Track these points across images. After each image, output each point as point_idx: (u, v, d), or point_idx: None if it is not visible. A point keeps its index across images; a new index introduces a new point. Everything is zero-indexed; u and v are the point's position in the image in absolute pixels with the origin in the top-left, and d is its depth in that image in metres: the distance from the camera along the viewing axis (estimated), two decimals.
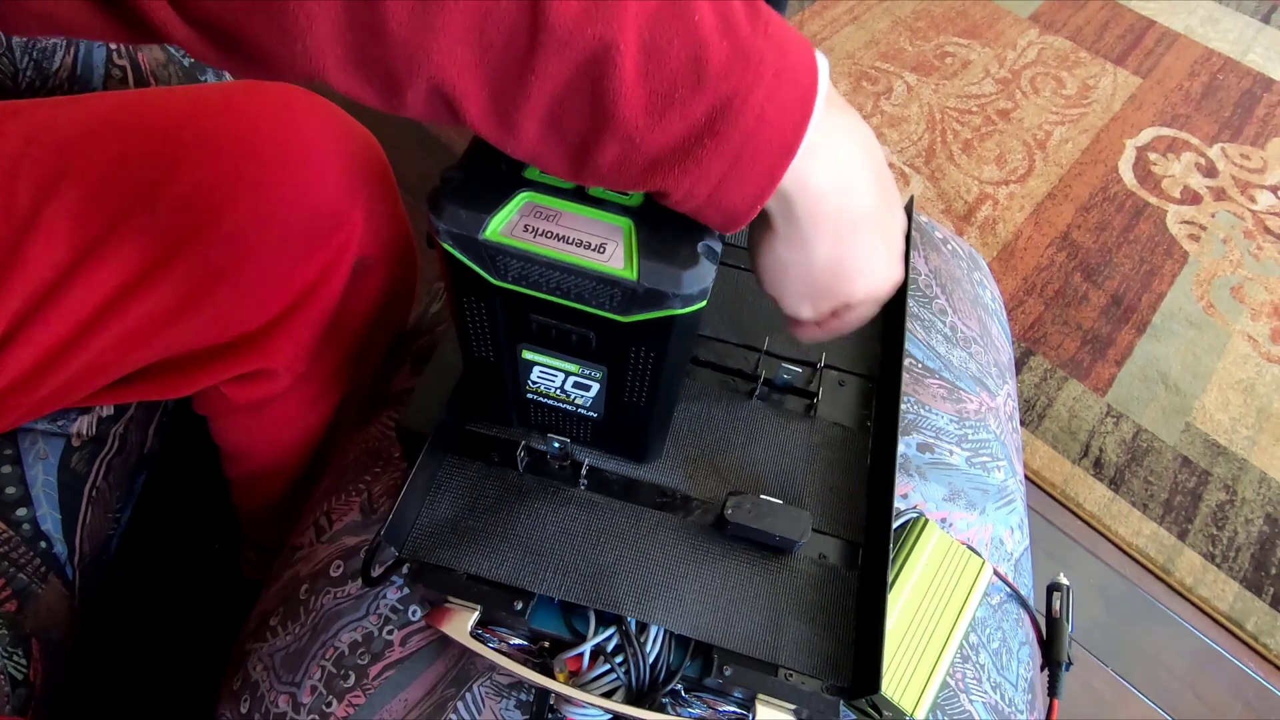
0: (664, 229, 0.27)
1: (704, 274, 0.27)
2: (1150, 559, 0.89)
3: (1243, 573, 0.89)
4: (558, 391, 0.35)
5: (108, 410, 0.52)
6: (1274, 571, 0.89)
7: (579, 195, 0.28)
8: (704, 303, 0.28)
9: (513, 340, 0.33)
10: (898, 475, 0.52)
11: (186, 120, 0.45)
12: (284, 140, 0.46)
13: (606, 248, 0.27)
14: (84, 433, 0.49)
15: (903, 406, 0.56)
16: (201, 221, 0.44)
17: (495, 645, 0.39)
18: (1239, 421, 1.01)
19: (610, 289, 0.27)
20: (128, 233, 0.43)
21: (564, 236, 0.27)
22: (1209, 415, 1.01)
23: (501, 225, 0.27)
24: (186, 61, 0.65)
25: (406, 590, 0.44)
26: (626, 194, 0.28)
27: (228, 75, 0.64)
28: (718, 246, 0.28)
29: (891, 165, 1.25)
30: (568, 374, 0.34)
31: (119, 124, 0.44)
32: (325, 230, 0.47)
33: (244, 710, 0.44)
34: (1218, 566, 0.89)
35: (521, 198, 0.28)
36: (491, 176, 0.28)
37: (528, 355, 0.33)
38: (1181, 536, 0.91)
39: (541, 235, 0.27)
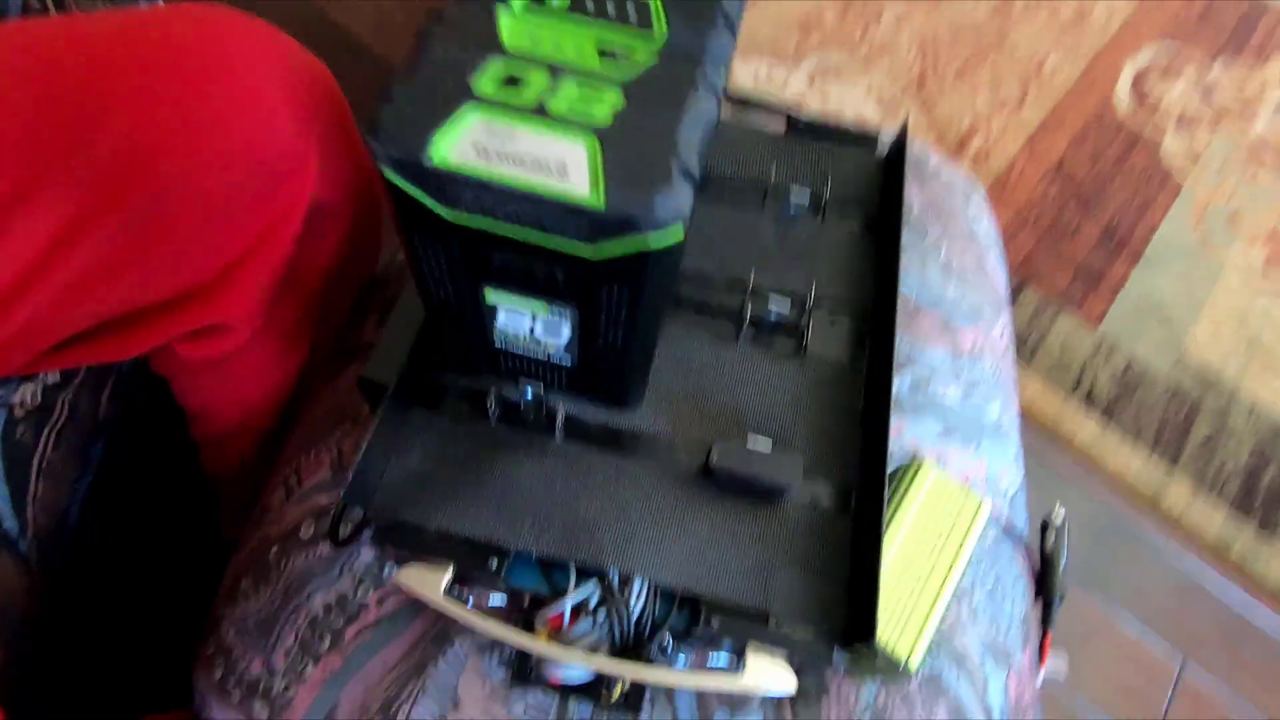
0: (634, 148, 0.24)
1: (680, 198, 0.24)
2: (1140, 490, 0.89)
3: (1230, 502, 0.89)
4: (526, 337, 0.33)
5: (53, 377, 0.49)
6: (1260, 500, 0.89)
7: (536, 111, 0.25)
8: (681, 233, 0.25)
9: (473, 280, 0.30)
10: (893, 412, 0.51)
11: (115, 52, 0.40)
12: (225, 72, 0.41)
13: (569, 170, 0.24)
14: (27, 402, 0.46)
15: (897, 343, 0.54)
16: (137, 165, 0.40)
17: (475, 604, 0.38)
18: (1230, 352, 1.00)
19: (575, 217, 0.24)
20: (55, 181, 0.39)
21: (520, 159, 0.24)
22: (1200, 346, 1.00)
23: (448, 147, 0.24)
24: None
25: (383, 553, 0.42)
26: (591, 108, 0.25)
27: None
28: (695, 168, 0.25)
29: (881, 96, 1.20)
30: (536, 316, 0.31)
31: (39, 58, 0.39)
32: (275, 172, 0.43)
33: (218, 677, 0.42)
34: (1206, 496, 0.89)
35: (470, 115, 0.24)
36: (436, 91, 0.25)
37: (491, 297, 0.31)
38: (1171, 468, 0.90)
39: (495, 157, 0.24)
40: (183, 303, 0.45)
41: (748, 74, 1.21)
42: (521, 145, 0.24)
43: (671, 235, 0.24)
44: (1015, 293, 1.03)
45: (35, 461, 0.47)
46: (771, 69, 1.22)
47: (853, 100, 1.19)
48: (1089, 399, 0.95)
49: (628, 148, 0.24)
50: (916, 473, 0.39)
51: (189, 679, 0.45)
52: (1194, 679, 0.79)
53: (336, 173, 0.47)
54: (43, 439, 0.48)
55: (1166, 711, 0.78)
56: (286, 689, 0.40)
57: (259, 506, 0.50)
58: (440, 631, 0.40)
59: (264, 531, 0.47)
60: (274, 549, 0.45)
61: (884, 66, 1.23)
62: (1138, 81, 1.27)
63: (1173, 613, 0.82)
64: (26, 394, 0.47)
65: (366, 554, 0.43)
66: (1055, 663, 0.54)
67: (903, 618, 0.34)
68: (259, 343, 0.50)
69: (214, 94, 0.40)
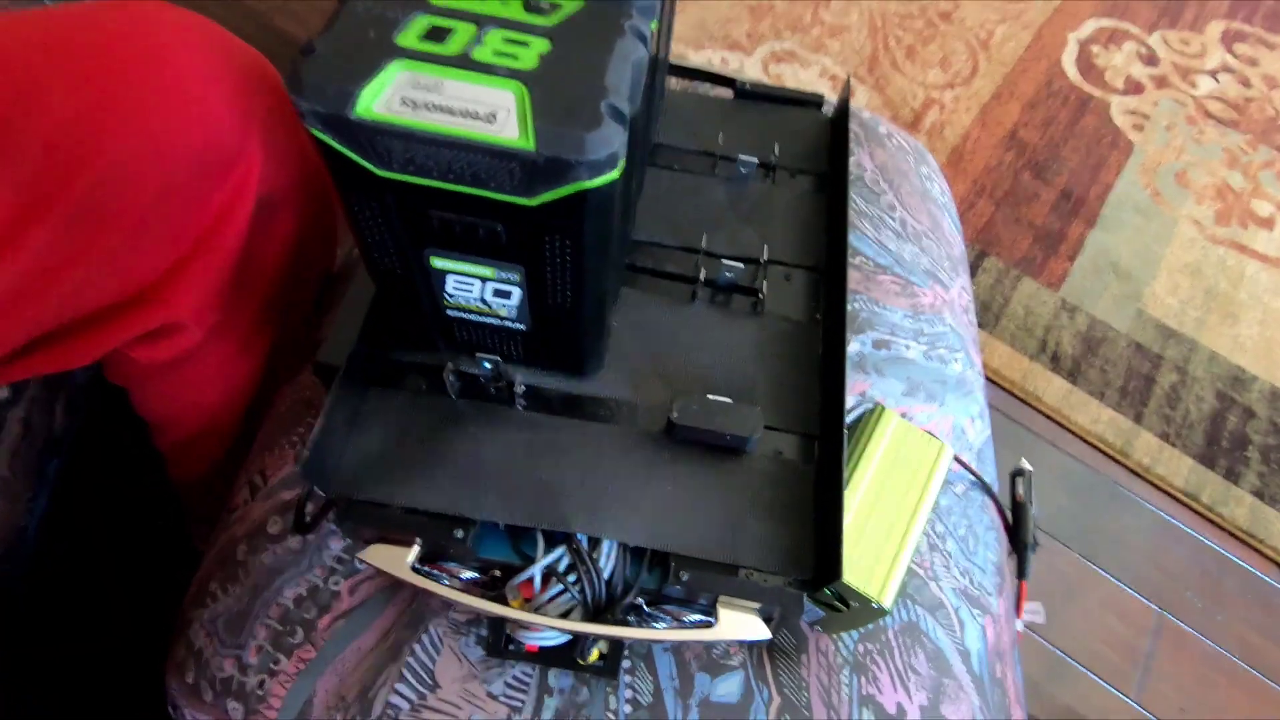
0: (561, 91, 0.24)
1: (610, 135, 0.24)
2: (1109, 444, 0.90)
3: (1196, 449, 0.91)
4: (478, 303, 0.33)
5: (3, 392, 0.48)
6: (1225, 445, 0.91)
7: (462, 61, 0.25)
8: (616, 173, 0.25)
9: (417, 245, 0.30)
10: (856, 373, 0.51)
11: (40, 49, 0.39)
12: (158, 63, 0.41)
13: (498, 116, 0.24)
14: None
15: (856, 304, 0.55)
16: (71, 164, 0.39)
17: (447, 581, 0.37)
18: (1188, 304, 1.02)
19: (508, 163, 0.24)
20: None
21: (448, 108, 0.24)
22: (1159, 300, 1.02)
23: (375, 100, 0.24)
24: None
25: (351, 539, 0.42)
26: (517, 56, 0.25)
27: None
28: (625, 107, 0.25)
29: (835, 77, 1.21)
30: (485, 280, 0.31)
31: None
32: (218, 164, 0.43)
33: (189, 680, 0.41)
34: (1172, 445, 0.91)
35: (395, 67, 0.24)
36: (359, 45, 0.24)
37: (437, 262, 0.30)
38: (1137, 420, 0.92)
39: (422, 108, 0.24)
40: (132, 304, 0.44)
41: (701, 62, 1.22)
42: (449, 95, 0.24)
43: (606, 174, 0.24)
44: (977, 261, 1.04)
45: None
46: (726, 56, 1.23)
47: (807, 82, 1.21)
48: (1055, 360, 0.96)
49: (556, 91, 0.24)
50: (878, 420, 0.39)
51: (161, 687, 0.44)
52: (1175, 621, 0.81)
53: (282, 163, 0.46)
54: None
55: (1150, 655, 0.79)
56: (260, 684, 0.39)
57: (225, 508, 0.49)
58: (414, 615, 0.40)
59: (231, 532, 0.46)
60: (241, 547, 0.44)
61: (836, 48, 1.24)
62: (1083, 50, 1.29)
63: (1150, 560, 0.84)
64: None
65: (336, 544, 0.42)
66: (1032, 611, 0.55)
67: (873, 558, 0.34)
68: (215, 343, 0.49)
69: (146, 85, 0.39)
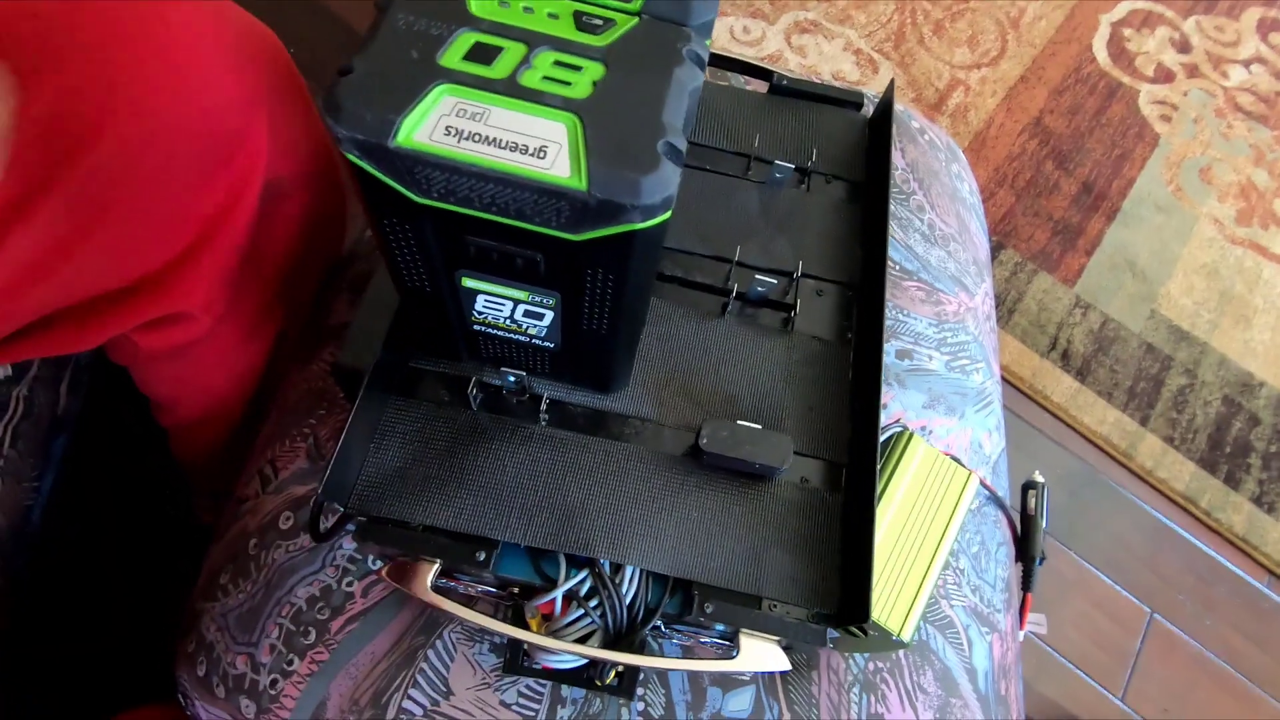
0: (616, 126, 0.23)
1: (667, 179, 0.22)
2: (1113, 445, 0.90)
3: (1199, 453, 0.91)
4: (507, 322, 0.31)
5: (5, 371, 0.46)
6: (1228, 451, 0.92)
7: (510, 87, 0.23)
8: (668, 214, 0.24)
9: (449, 267, 0.28)
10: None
11: (37, 23, 0.37)
12: (162, 41, 0.38)
13: (548, 151, 0.22)
14: None
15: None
16: (70, 147, 0.37)
17: (463, 591, 0.37)
18: (1202, 306, 1.01)
19: (556, 202, 0.23)
20: None
21: (495, 139, 0.22)
22: (1173, 301, 1.01)
23: (417, 128, 0.22)
24: None
25: (369, 554, 0.41)
26: (569, 83, 0.23)
27: None
28: (681, 144, 0.23)
29: (859, 51, 1.17)
30: (517, 302, 0.30)
31: None
32: (223, 149, 0.41)
33: (201, 673, 0.41)
34: (1176, 449, 0.91)
35: (439, 92, 0.22)
36: (401, 66, 0.23)
37: (469, 283, 0.29)
38: (1143, 422, 0.92)
39: (467, 139, 0.22)
40: (137, 292, 0.42)
41: (723, 29, 1.17)
42: (495, 124, 0.22)
43: (658, 216, 0.23)
44: (994, 252, 1.03)
45: None
46: (748, 25, 1.18)
47: (830, 56, 1.17)
48: (1065, 357, 0.96)
49: (610, 126, 0.23)
50: (906, 446, 0.38)
51: (166, 670, 0.44)
52: (1164, 623, 0.82)
53: (291, 147, 0.44)
54: None
55: (1138, 655, 0.81)
56: (273, 684, 0.40)
57: (235, 497, 0.48)
58: (429, 620, 0.40)
59: (241, 523, 0.45)
60: (252, 541, 0.44)
61: (861, 20, 1.20)
62: (1114, 33, 1.25)
63: (1145, 562, 0.85)
64: None
65: (349, 544, 0.42)
66: (1035, 622, 0.56)
67: (894, 591, 0.34)
68: (221, 329, 0.48)
69: (150, 64, 0.37)
